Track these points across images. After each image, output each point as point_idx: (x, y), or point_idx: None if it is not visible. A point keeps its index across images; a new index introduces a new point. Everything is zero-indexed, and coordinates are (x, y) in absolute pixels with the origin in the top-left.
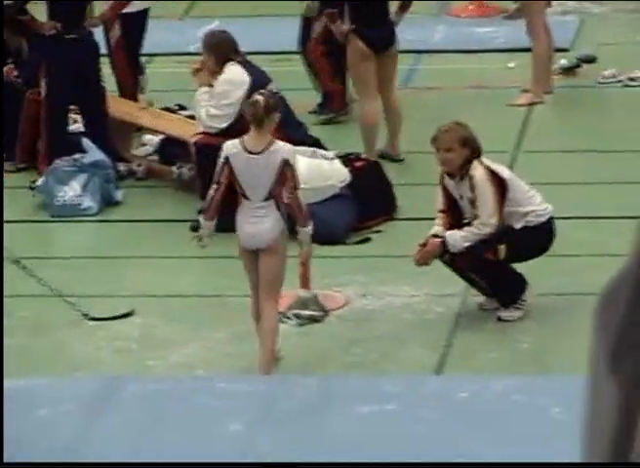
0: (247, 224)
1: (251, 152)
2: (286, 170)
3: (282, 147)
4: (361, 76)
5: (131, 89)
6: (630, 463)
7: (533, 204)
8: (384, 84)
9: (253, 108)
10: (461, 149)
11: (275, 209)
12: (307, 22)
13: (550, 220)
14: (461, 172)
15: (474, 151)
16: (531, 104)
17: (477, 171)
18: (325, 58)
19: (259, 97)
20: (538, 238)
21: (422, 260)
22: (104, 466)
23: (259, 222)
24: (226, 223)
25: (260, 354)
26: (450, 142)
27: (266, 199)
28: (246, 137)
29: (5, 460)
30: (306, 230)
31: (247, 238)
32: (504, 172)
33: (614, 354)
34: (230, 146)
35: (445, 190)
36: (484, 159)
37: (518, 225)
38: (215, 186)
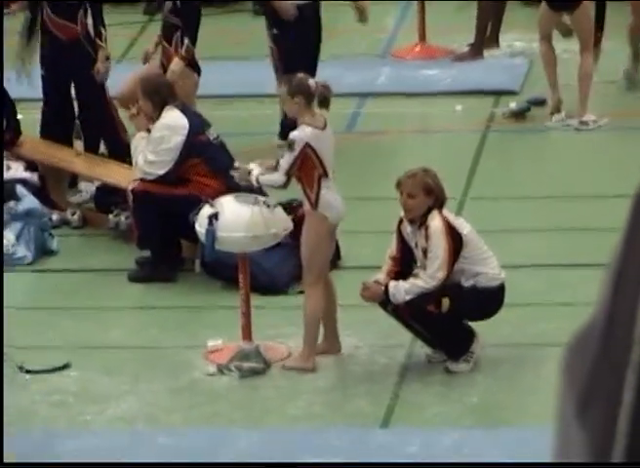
0: (337, 199)
1: (323, 129)
2: None
3: None
4: None
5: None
6: (630, 463)
7: (486, 266)
8: None
9: (326, 90)
10: (425, 197)
11: None
12: None
13: (501, 287)
14: (421, 220)
15: (437, 200)
16: None
17: (434, 221)
18: None
19: (317, 81)
20: (484, 301)
21: (365, 299)
22: (104, 466)
23: (338, 195)
24: (162, 273)
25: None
26: (413, 188)
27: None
28: (316, 118)
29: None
30: None
31: (341, 212)
32: (464, 227)
33: (581, 402)
34: (304, 133)
35: (400, 236)
36: (445, 211)
37: (467, 283)
38: (284, 178)
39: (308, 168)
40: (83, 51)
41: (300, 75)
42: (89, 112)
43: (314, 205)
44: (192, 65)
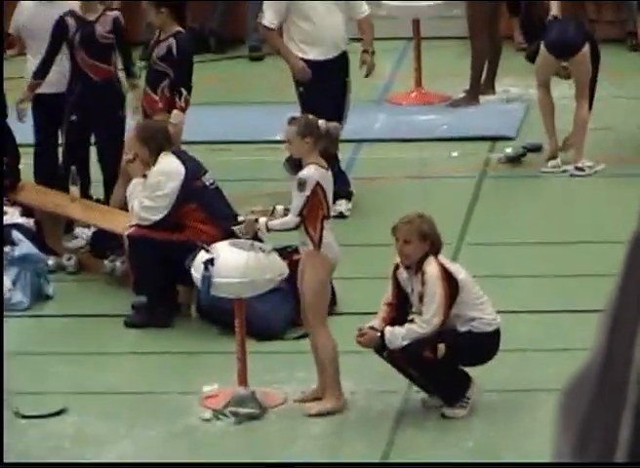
0: (334, 241)
1: (327, 170)
2: None
3: None
4: None
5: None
6: (629, 463)
7: (482, 311)
8: None
9: (337, 130)
10: (421, 243)
11: None
12: None
13: (497, 333)
14: (417, 265)
15: (433, 246)
16: None
17: (430, 267)
18: None
19: (326, 121)
20: (480, 346)
21: (361, 344)
22: (105, 466)
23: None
24: (159, 318)
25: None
26: (409, 234)
27: None
28: (321, 159)
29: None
30: None
31: (338, 253)
32: (460, 273)
33: (578, 442)
34: (313, 173)
35: (396, 282)
36: (441, 257)
37: (462, 329)
38: (297, 219)
39: (315, 208)
40: (115, 90)
41: (310, 116)
42: (104, 153)
43: (317, 245)
44: None
